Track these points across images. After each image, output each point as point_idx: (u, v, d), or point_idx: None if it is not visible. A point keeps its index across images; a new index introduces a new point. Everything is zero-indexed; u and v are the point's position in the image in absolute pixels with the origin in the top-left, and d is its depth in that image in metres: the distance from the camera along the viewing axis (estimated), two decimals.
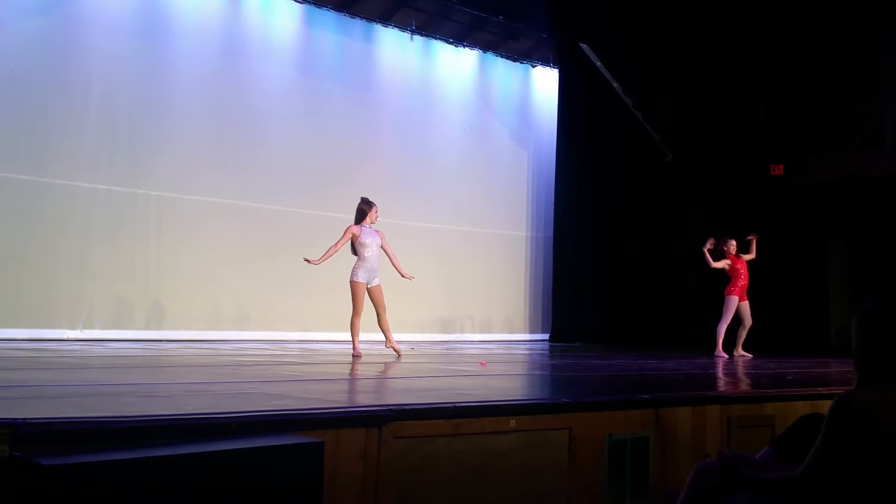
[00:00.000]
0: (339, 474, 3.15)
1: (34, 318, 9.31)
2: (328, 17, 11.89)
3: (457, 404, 3.67)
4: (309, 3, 11.67)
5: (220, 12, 11.08)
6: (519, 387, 6.07)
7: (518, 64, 14.05)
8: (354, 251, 7.90)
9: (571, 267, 13.68)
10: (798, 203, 12.91)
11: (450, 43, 13.18)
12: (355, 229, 7.90)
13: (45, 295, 9.44)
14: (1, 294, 9.12)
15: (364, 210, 7.99)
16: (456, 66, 13.31)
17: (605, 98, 13.52)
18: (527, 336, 13.81)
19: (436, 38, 13.01)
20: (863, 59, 12.38)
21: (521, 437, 3.72)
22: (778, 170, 12.93)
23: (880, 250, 12.36)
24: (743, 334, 10.22)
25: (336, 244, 7.88)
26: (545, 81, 14.23)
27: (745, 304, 10.16)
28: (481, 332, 13.23)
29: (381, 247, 7.94)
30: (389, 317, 7.98)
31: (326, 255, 7.87)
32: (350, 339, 7.83)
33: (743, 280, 10.13)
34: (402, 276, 8.10)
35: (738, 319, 10.19)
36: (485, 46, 13.54)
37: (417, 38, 12.78)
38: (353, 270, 7.84)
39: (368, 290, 7.81)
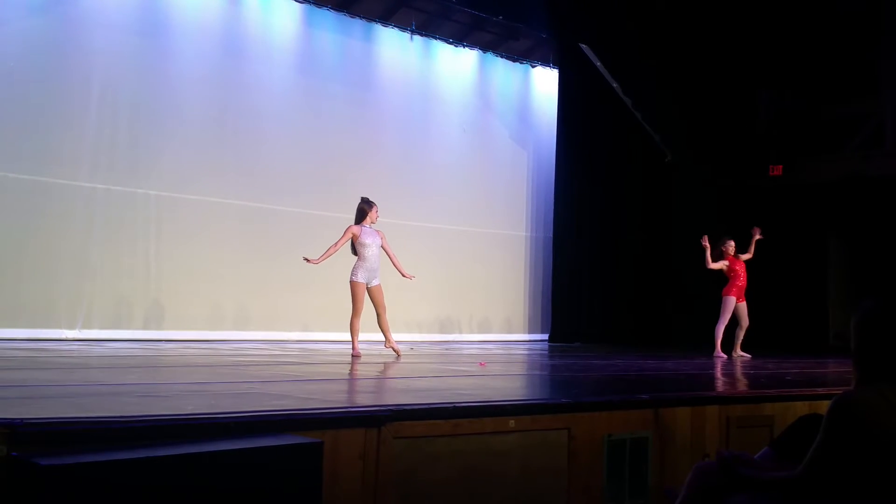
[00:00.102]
0: (338, 474, 3.15)
1: (33, 317, 9.31)
2: (328, 16, 11.89)
3: (456, 404, 3.67)
4: (309, 2, 11.67)
5: (220, 12, 11.08)
6: (518, 387, 6.07)
7: (518, 64, 14.05)
8: (354, 251, 7.90)
9: (571, 267, 13.68)
10: (798, 203, 12.91)
11: (450, 43, 13.18)
12: (355, 229, 7.90)
13: (44, 295, 9.44)
14: None
15: (364, 210, 7.99)
16: (456, 65, 13.31)
17: (605, 98, 13.52)
18: (526, 336, 13.81)
19: (436, 38, 13.01)
20: (862, 59, 12.38)
21: (521, 437, 3.73)
22: (777, 170, 12.94)
23: (880, 250, 12.36)
24: (741, 335, 10.22)
25: (336, 244, 7.88)
26: (545, 81, 14.24)
27: (743, 305, 10.16)
28: (480, 332, 13.23)
29: (382, 247, 7.94)
30: (389, 317, 7.98)
31: (326, 254, 7.87)
32: (350, 339, 7.83)
33: (741, 281, 10.13)
34: (403, 275, 8.10)
35: (735, 320, 10.19)
36: (485, 46, 13.54)
37: (417, 37, 12.78)
38: (352, 270, 7.84)
39: (368, 290, 7.81)
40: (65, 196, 9.64)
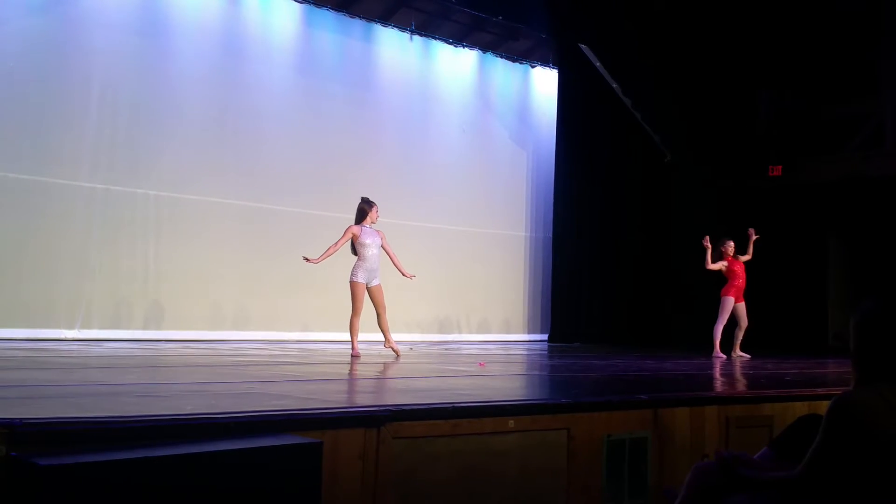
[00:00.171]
0: (337, 474, 3.15)
1: (32, 317, 9.30)
2: (328, 16, 11.89)
3: (455, 405, 3.67)
4: (308, 2, 11.67)
5: (220, 12, 11.08)
6: (518, 387, 6.07)
7: (517, 64, 14.05)
8: (354, 251, 7.90)
9: (570, 267, 13.69)
10: (797, 203, 12.91)
11: (449, 43, 13.18)
12: (355, 229, 7.90)
13: (44, 294, 9.43)
14: None
15: (364, 210, 7.99)
16: (455, 66, 13.31)
17: (605, 98, 13.53)
18: (525, 336, 13.81)
19: (435, 38, 13.01)
20: (862, 59, 12.38)
21: (520, 437, 3.73)
22: (776, 170, 12.94)
23: (879, 251, 12.36)
24: (740, 335, 10.22)
25: (336, 243, 7.88)
26: (544, 82, 14.24)
27: (742, 305, 10.17)
28: (480, 332, 13.23)
29: (382, 246, 7.95)
30: (388, 317, 7.99)
31: (326, 254, 7.87)
32: (349, 339, 7.84)
33: (740, 281, 10.14)
34: (404, 275, 8.11)
35: (734, 320, 10.20)
36: (484, 47, 13.54)
37: (417, 38, 12.78)
38: (352, 270, 7.84)
39: (368, 290, 7.81)
40: (64, 196, 9.64)
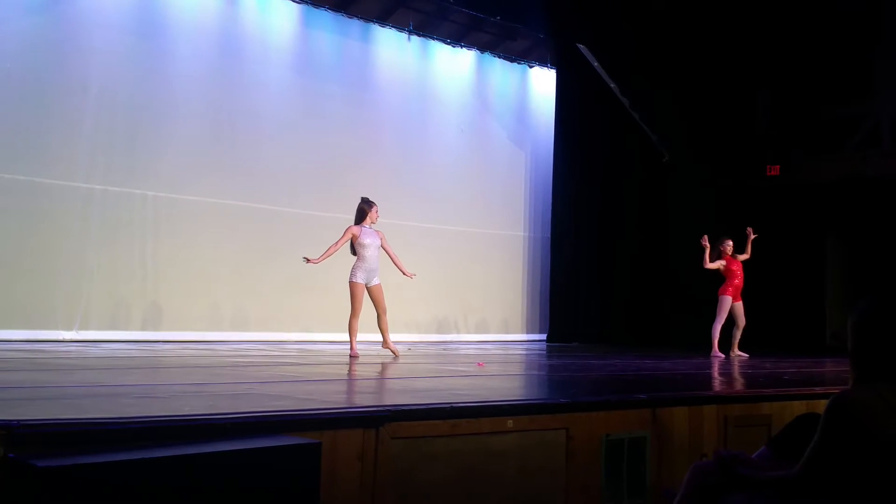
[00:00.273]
0: (336, 475, 3.15)
1: (30, 318, 9.29)
2: (325, 17, 11.89)
3: (454, 405, 3.67)
4: (306, 3, 11.66)
5: (218, 12, 11.07)
6: (516, 387, 6.07)
7: (515, 64, 14.05)
8: (354, 251, 7.90)
9: (569, 267, 13.69)
10: (795, 203, 12.91)
11: (447, 43, 13.18)
12: (355, 229, 7.90)
13: (42, 296, 9.42)
14: None
15: (364, 210, 7.99)
16: (453, 66, 13.31)
17: (603, 98, 13.52)
18: (524, 336, 13.81)
19: (433, 39, 13.01)
20: (862, 59, 12.38)
21: (519, 437, 3.73)
22: (774, 170, 12.94)
23: (877, 250, 12.38)
24: (738, 334, 10.23)
25: (336, 243, 7.88)
26: (542, 82, 14.24)
27: (739, 305, 10.17)
28: (478, 332, 13.23)
29: (382, 246, 7.94)
30: (387, 317, 7.98)
31: (326, 254, 7.87)
32: (348, 339, 7.83)
33: (738, 280, 10.15)
34: (405, 274, 8.11)
35: (731, 320, 10.20)
36: (482, 47, 13.54)
37: (415, 38, 12.78)
38: (352, 271, 7.84)
39: (368, 290, 7.81)
40: (62, 197, 9.63)
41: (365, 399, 4.63)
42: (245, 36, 11.29)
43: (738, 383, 6.31)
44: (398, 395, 4.79)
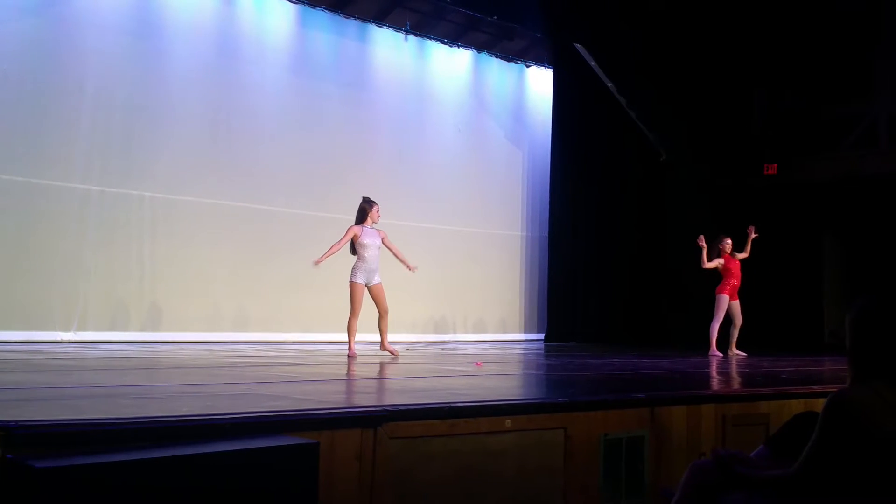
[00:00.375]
0: (334, 475, 3.15)
1: (28, 319, 9.28)
2: (322, 17, 11.89)
3: (452, 404, 3.67)
4: (303, 3, 11.66)
5: (215, 12, 11.06)
6: (514, 386, 6.07)
7: (512, 64, 14.06)
8: (353, 251, 7.89)
9: (566, 267, 13.69)
10: (793, 202, 12.93)
11: (444, 43, 13.18)
12: (356, 229, 7.89)
13: (40, 297, 9.41)
14: None
15: (365, 209, 7.99)
16: (450, 66, 13.32)
17: (600, 98, 13.52)
18: (522, 336, 13.82)
19: (430, 38, 13.01)
20: (861, 59, 12.39)
21: (517, 436, 3.73)
22: (771, 169, 12.96)
23: (874, 249, 12.39)
24: (735, 333, 10.23)
25: (338, 243, 7.86)
26: (539, 81, 14.25)
27: (736, 304, 10.18)
28: (476, 332, 13.24)
29: (384, 244, 7.93)
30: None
31: (328, 253, 7.83)
32: (346, 340, 7.83)
33: (735, 279, 10.15)
34: (408, 268, 8.09)
35: (728, 318, 10.21)
36: (479, 46, 13.55)
37: (412, 38, 12.78)
38: (352, 271, 7.84)
39: (369, 289, 7.81)
40: (59, 198, 9.62)
41: (363, 399, 4.63)
42: (241, 36, 11.28)
43: (736, 382, 6.31)
44: (396, 395, 4.79)
